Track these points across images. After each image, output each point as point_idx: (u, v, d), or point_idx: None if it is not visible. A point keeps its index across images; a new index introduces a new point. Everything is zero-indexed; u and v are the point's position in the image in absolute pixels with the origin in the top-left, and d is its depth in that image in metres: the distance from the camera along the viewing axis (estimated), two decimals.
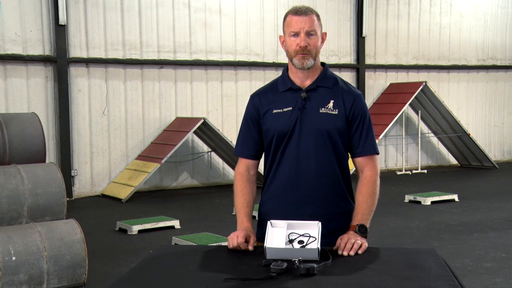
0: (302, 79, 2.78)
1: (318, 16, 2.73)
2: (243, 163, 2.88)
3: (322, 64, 2.85)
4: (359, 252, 2.51)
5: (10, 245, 4.68)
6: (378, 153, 2.82)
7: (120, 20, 10.72)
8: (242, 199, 2.81)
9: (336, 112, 2.73)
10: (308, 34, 2.67)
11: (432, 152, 14.57)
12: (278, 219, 2.54)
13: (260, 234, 2.71)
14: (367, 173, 2.77)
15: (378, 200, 2.78)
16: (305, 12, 2.68)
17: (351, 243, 2.52)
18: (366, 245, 2.57)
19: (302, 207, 2.74)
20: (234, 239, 2.60)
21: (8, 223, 4.94)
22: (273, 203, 2.81)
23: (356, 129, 2.76)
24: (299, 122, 2.72)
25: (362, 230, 2.61)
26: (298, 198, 2.74)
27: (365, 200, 2.72)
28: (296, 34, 2.68)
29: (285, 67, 2.85)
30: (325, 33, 2.79)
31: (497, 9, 15.09)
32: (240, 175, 2.87)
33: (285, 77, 2.82)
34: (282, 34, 2.78)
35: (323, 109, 2.73)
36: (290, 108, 2.75)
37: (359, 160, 2.79)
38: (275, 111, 2.77)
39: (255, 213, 2.95)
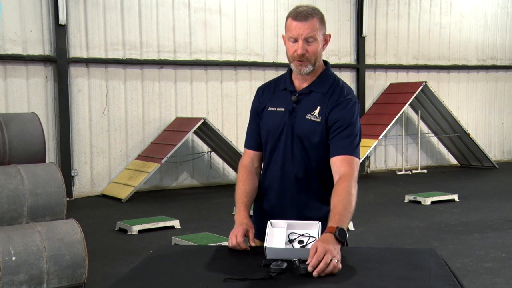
0: (301, 81, 2.77)
1: (321, 18, 2.65)
2: (248, 155, 2.89)
3: (325, 62, 2.81)
4: (332, 273, 2.22)
5: (10, 245, 4.68)
6: (356, 157, 2.64)
7: (120, 20, 10.71)
8: (243, 188, 2.81)
9: (319, 120, 2.68)
10: (307, 40, 2.62)
11: (432, 152, 14.57)
12: (263, 220, 2.54)
13: (255, 230, 2.68)
14: (342, 173, 2.59)
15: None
16: (306, 17, 2.60)
17: (325, 264, 2.20)
18: (340, 266, 2.25)
19: (286, 209, 2.74)
20: (233, 238, 2.59)
21: (8, 223, 4.93)
22: (260, 204, 2.84)
23: (334, 131, 2.66)
24: (287, 125, 2.72)
25: (342, 235, 2.35)
26: (283, 200, 2.76)
27: (341, 200, 2.50)
28: (295, 40, 2.64)
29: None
30: (329, 35, 2.71)
31: (497, 9, 15.08)
32: (243, 167, 2.88)
33: (287, 76, 2.82)
34: (285, 34, 2.73)
35: (309, 115, 2.70)
36: (283, 109, 2.75)
37: (333, 160, 2.64)
38: (270, 108, 2.79)
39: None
